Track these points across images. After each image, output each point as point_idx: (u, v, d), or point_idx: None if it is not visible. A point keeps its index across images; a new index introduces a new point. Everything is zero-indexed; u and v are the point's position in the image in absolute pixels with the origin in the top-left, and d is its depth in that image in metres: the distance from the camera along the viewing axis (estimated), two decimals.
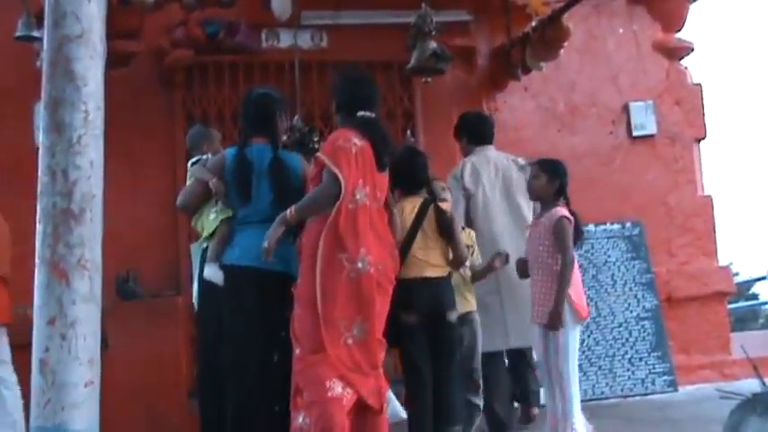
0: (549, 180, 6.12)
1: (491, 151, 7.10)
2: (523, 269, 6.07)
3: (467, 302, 6.32)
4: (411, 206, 5.84)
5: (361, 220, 4.75)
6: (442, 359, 5.67)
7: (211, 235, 5.63)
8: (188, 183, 5.89)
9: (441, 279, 5.79)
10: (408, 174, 5.89)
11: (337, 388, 4.61)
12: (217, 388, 5.35)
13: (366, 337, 4.70)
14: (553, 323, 5.72)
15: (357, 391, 4.66)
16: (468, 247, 6.34)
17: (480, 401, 6.27)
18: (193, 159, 6.13)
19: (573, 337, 5.88)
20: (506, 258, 6.36)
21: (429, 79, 6.47)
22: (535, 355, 6.33)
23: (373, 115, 5.03)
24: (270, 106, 5.54)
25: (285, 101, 5.90)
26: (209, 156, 5.92)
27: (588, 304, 6.25)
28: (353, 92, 5.19)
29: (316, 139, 6.63)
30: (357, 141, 4.86)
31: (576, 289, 6.00)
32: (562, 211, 5.99)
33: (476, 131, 7.17)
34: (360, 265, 4.68)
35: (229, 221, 5.51)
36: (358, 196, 4.75)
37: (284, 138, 6.20)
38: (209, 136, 6.43)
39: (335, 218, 4.72)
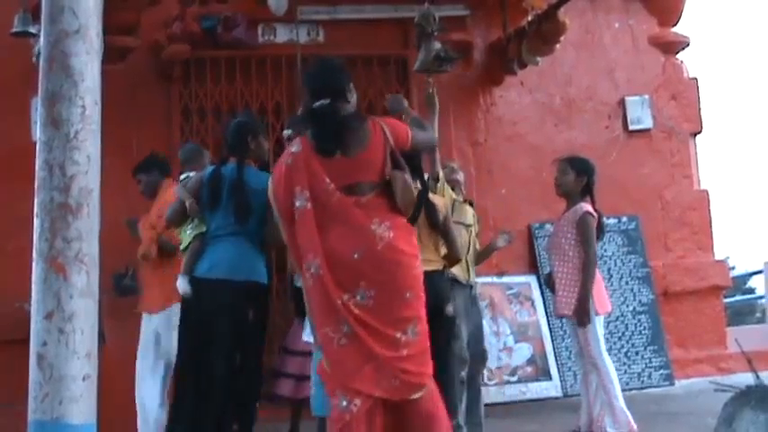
0: (577, 177, 6.23)
1: None
2: (549, 283, 6.23)
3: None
4: None
5: (304, 227, 4.74)
6: (437, 352, 5.70)
7: (186, 249, 5.98)
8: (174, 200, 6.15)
9: (434, 273, 5.79)
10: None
11: (343, 402, 4.55)
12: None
13: (355, 331, 4.65)
14: (581, 320, 5.84)
15: (367, 393, 4.59)
16: (467, 226, 6.40)
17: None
18: (182, 177, 6.58)
19: (599, 327, 6.02)
20: (510, 237, 6.45)
21: (431, 80, 6.47)
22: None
23: (326, 101, 4.97)
24: (242, 130, 5.96)
25: (260, 125, 6.38)
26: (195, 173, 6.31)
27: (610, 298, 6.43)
28: (306, 87, 5.16)
29: None
30: (293, 150, 4.85)
31: (598, 284, 6.12)
32: (587, 207, 6.10)
33: None
34: (312, 270, 4.65)
35: (202, 237, 5.85)
36: (297, 203, 4.73)
37: (288, 131, 6.26)
38: (200, 154, 7.01)
39: (287, 233, 4.77)
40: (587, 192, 6.34)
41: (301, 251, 4.66)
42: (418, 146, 4.96)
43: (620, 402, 6.15)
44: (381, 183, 4.74)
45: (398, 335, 4.55)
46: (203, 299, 5.65)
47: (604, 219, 6.47)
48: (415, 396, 4.52)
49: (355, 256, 4.60)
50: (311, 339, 5.65)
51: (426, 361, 4.62)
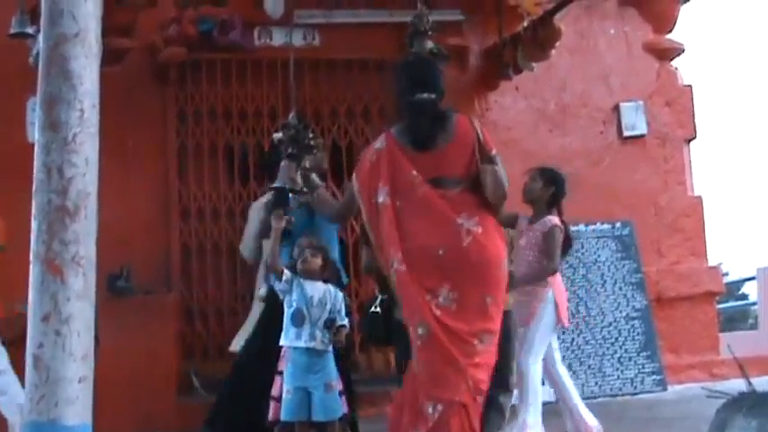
0: (545, 186, 6.21)
1: None
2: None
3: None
4: None
5: (385, 222, 4.69)
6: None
7: None
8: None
9: None
10: None
11: (428, 408, 4.51)
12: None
13: (435, 334, 4.60)
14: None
15: (448, 400, 4.47)
16: None
17: (509, 401, 6.00)
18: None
19: (544, 337, 5.98)
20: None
21: None
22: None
23: (430, 95, 4.88)
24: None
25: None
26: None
27: (574, 314, 6.37)
28: (404, 79, 5.13)
29: (311, 136, 6.66)
30: (377, 146, 4.85)
31: (562, 297, 6.10)
32: (555, 220, 6.08)
33: None
34: (394, 266, 4.59)
35: None
36: (380, 199, 4.71)
37: (279, 135, 6.30)
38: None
39: (374, 230, 4.77)
40: (554, 203, 6.31)
41: (384, 246, 4.66)
42: (493, 170, 4.75)
43: (533, 420, 6.09)
44: (468, 178, 4.68)
45: (475, 342, 4.50)
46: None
47: (571, 231, 6.44)
48: (480, 399, 4.54)
49: (440, 251, 4.54)
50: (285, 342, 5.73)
51: (489, 372, 4.57)
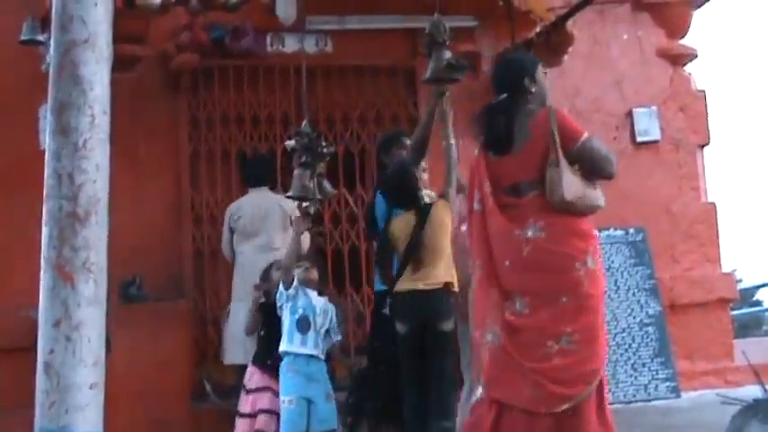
0: None
1: None
2: None
3: None
4: (404, 222, 6.01)
5: (471, 228, 4.78)
6: (433, 360, 5.78)
7: None
8: None
9: (433, 291, 5.90)
10: (399, 191, 6.13)
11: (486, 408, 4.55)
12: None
13: (502, 340, 4.49)
14: None
15: (506, 403, 4.44)
16: None
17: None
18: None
19: None
20: None
21: (447, 91, 6.45)
22: None
23: (502, 97, 4.92)
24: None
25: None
26: None
27: None
28: (492, 80, 5.15)
29: (323, 144, 6.67)
30: (477, 151, 4.88)
31: None
32: None
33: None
34: (476, 271, 4.66)
35: None
36: (475, 206, 4.71)
37: (291, 142, 6.32)
38: None
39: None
40: None
41: (471, 252, 4.73)
42: (589, 156, 4.70)
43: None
44: (543, 180, 4.58)
45: (550, 344, 4.40)
46: None
47: None
48: (562, 408, 4.35)
49: (507, 263, 4.55)
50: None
51: (582, 372, 4.41)
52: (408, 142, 6.65)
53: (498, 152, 4.70)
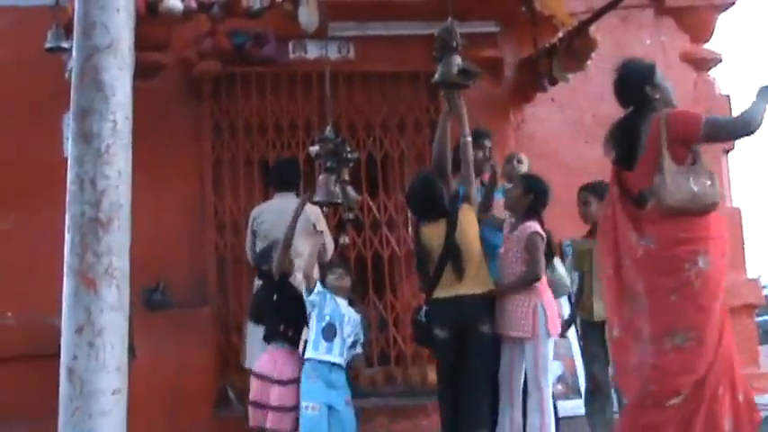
0: (524, 193, 6.23)
1: None
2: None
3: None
4: (436, 231, 6.07)
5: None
6: (470, 367, 5.79)
7: None
8: None
9: (470, 296, 5.97)
10: (425, 204, 6.24)
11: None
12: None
13: (622, 336, 4.92)
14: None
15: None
16: None
17: None
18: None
19: (546, 350, 5.99)
20: None
21: (456, 97, 6.44)
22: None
23: (629, 110, 5.10)
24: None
25: None
26: None
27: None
28: (615, 95, 5.31)
29: (348, 149, 6.68)
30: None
31: (552, 306, 6.09)
32: (534, 226, 6.10)
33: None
34: (605, 270, 5.04)
35: None
36: (608, 213, 5.11)
37: (315, 148, 6.33)
38: None
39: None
40: (533, 210, 6.30)
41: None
42: (717, 136, 4.98)
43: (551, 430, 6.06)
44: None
45: (665, 341, 4.62)
46: None
47: (554, 240, 6.52)
48: (671, 403, 4.57)
49: (627, 262, 4.81)
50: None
51: (688, 368, 4.65)
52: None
53: (628, 167, 4.88)
